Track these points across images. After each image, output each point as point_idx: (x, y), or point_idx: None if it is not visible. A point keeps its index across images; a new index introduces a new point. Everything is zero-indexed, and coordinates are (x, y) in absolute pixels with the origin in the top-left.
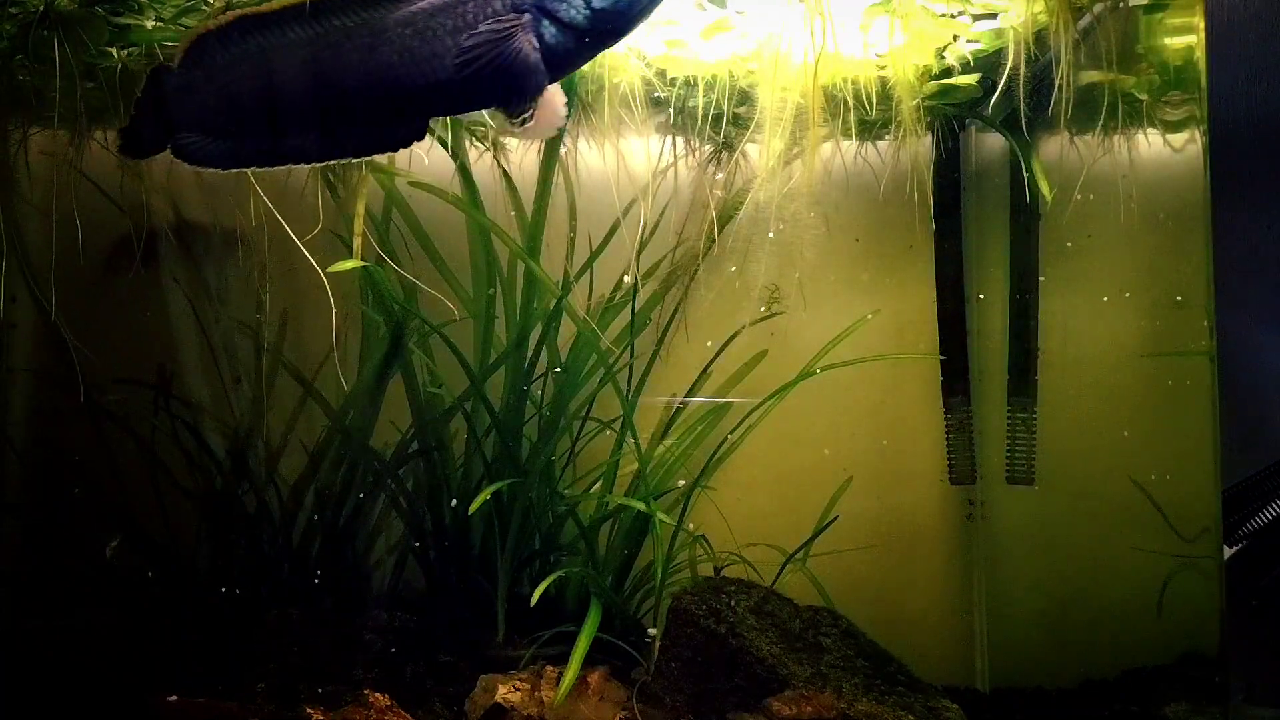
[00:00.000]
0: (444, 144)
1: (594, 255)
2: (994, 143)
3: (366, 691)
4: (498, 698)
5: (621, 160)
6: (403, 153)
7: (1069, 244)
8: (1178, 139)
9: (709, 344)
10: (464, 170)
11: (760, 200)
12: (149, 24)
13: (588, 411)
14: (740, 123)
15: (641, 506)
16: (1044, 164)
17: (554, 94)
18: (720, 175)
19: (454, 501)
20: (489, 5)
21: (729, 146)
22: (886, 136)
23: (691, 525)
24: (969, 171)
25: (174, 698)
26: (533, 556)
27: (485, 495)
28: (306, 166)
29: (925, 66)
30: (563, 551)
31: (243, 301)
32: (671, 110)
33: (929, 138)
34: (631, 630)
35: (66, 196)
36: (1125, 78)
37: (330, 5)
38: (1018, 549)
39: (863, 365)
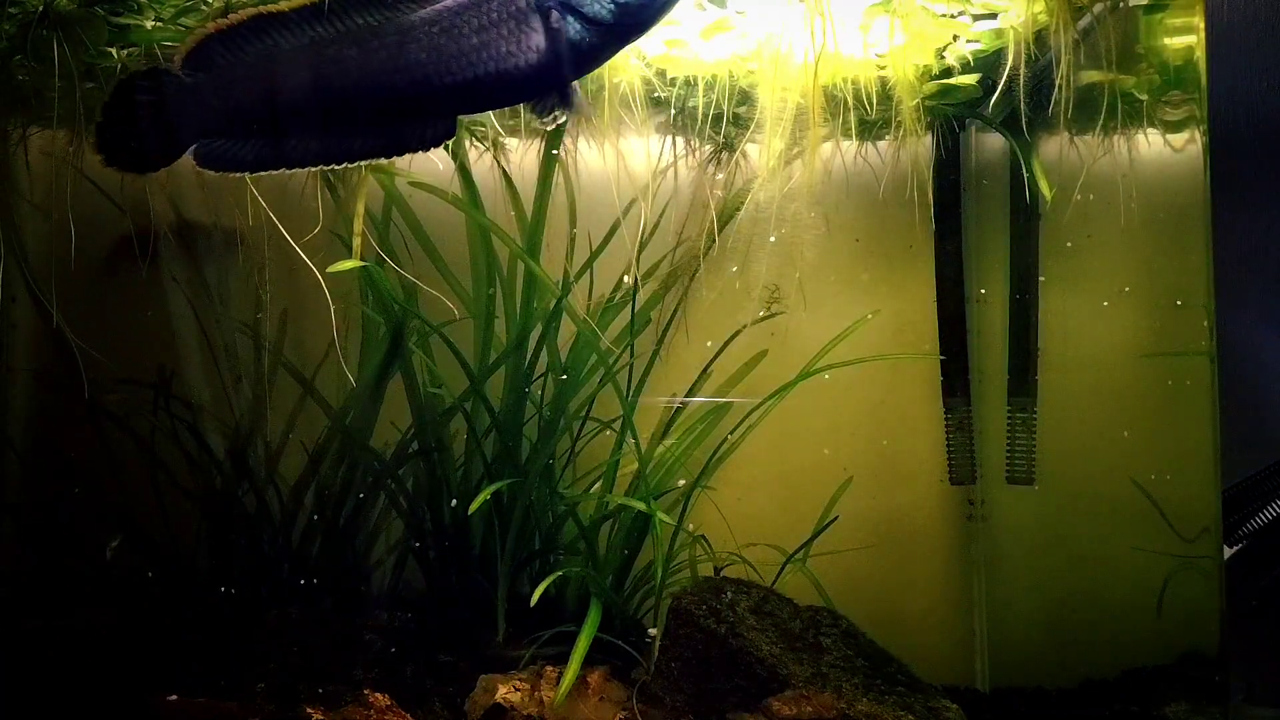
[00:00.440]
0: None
1: (594, 255)
2: (994, 143)
3: (366, 691)
4: (498, 698)
5: (621, 160)
6: None
7: (1069, 244)
8: (1178, 139)
9: (709, 344)
10: (464, 170)
11: (760, 200)
12: (148, 24)
13: (588, 411)
14: (740, 123)
15: (641, 506)
16: (1044, 164)
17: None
18: (720, 175)
19: (454, 501)
20: (514, 2)
21: (729, 146)
22: (886, 136)
23: (691, 525)
24: (969, 171)
25: (174, 698)
26: (533, 556)
27: (485, 495)
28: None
29: (925, 66)
30: (563, 551)
31: (243, 301)
32: (671, 110)
33: (929, 138)
34: (631, 630)
35: (66, 196)
36: (1125, 78)
37: (354, 3)
38: (1018, 549)
39: (863, 365)
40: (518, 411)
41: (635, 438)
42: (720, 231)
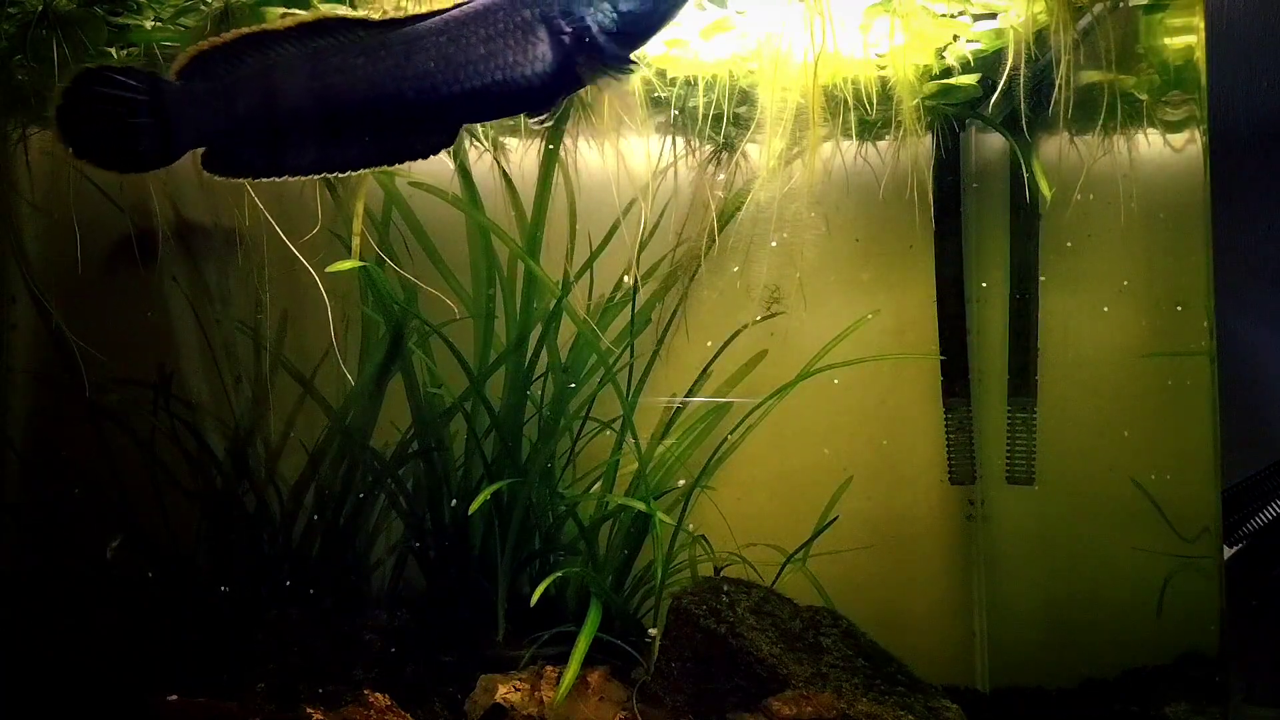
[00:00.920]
0: None
1: (594, 255)
2: (994, 143)
3: (366, 691)
4: (498, 698)
5: (621, 160)
6: None
7: (1069, 244)
8: (1178, 139)
9: (709, 344)
10: (464, 170)
11: (761, 200)
12: (148, 24)
13: (588, 411)
14: (740, 123)
15: (641, 506)
16: (1044, 164)
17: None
18: (721, 176)
19: (454, 501)
20: (519, 13)
21: (729, 146)
22: (886, 136)
23: (691, 525)
24: (969, 171)
25: (174, 698)
26: (533, 556)
27: (485, 495)
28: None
29: (925, 66)
30: (563, 551)
31: (243, 301)
32: (672, 110)
33: (929, 138)
34: (631, 630)
35: (66, 196)
36: (1125, 78)
37: (356, 21)
38: (1018, 549)
39: (863, 365)
40: (518, 411)
41: (635, 438)
42: (720, 231)
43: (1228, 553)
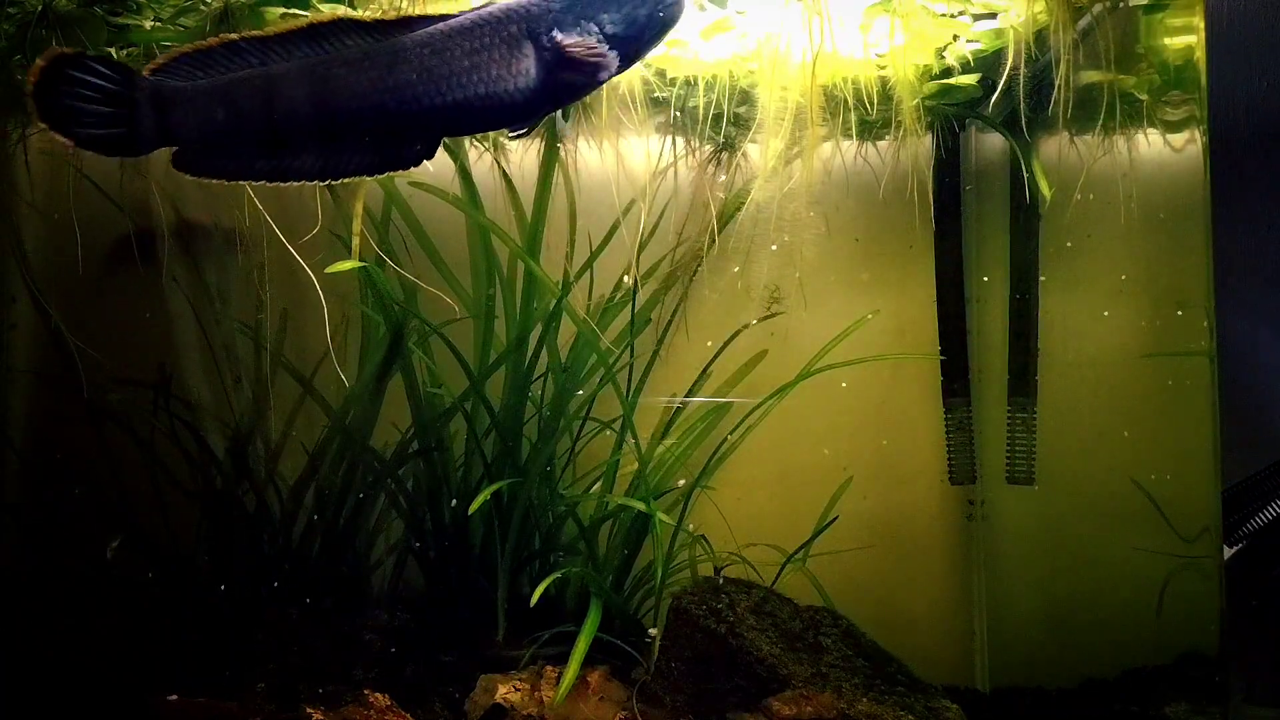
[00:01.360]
0: (444, 144)
1: (594, 255)
2: (994, 143)
3: (366, 691)
4: (498, 698)
5: (621, 160)
6: None
7: (1069, 244)
8: (1178, 139)
9: (709, 344)
10: (464, 170)
11: (760, 200)
12: (147, 24)
13: (588, 411)
14: (740, 123)
15: (641, 506)
16: (1044, 164)
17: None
18: (723, 177)
19: (454, 501)
20: (505, 29)
21: (729, 146)
22: (886, 137)
23: (691, 525)
24: (969, 171)
25: (174, 698)
26: (533, 556)
27: (485, 495)
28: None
29: (925, 66)
30: (563, 551)
31: (243, 301)
32: (672, 110)
33: (929, 138)
34: (631, 630)
35: (66, 196)
36: (1125, 78)
37: (345, 26)
38: (1018, 549)
39: (863, 365)
40: (518, 411)
41: (635, 438)
42: (720, 231)
43: (1228, 553)
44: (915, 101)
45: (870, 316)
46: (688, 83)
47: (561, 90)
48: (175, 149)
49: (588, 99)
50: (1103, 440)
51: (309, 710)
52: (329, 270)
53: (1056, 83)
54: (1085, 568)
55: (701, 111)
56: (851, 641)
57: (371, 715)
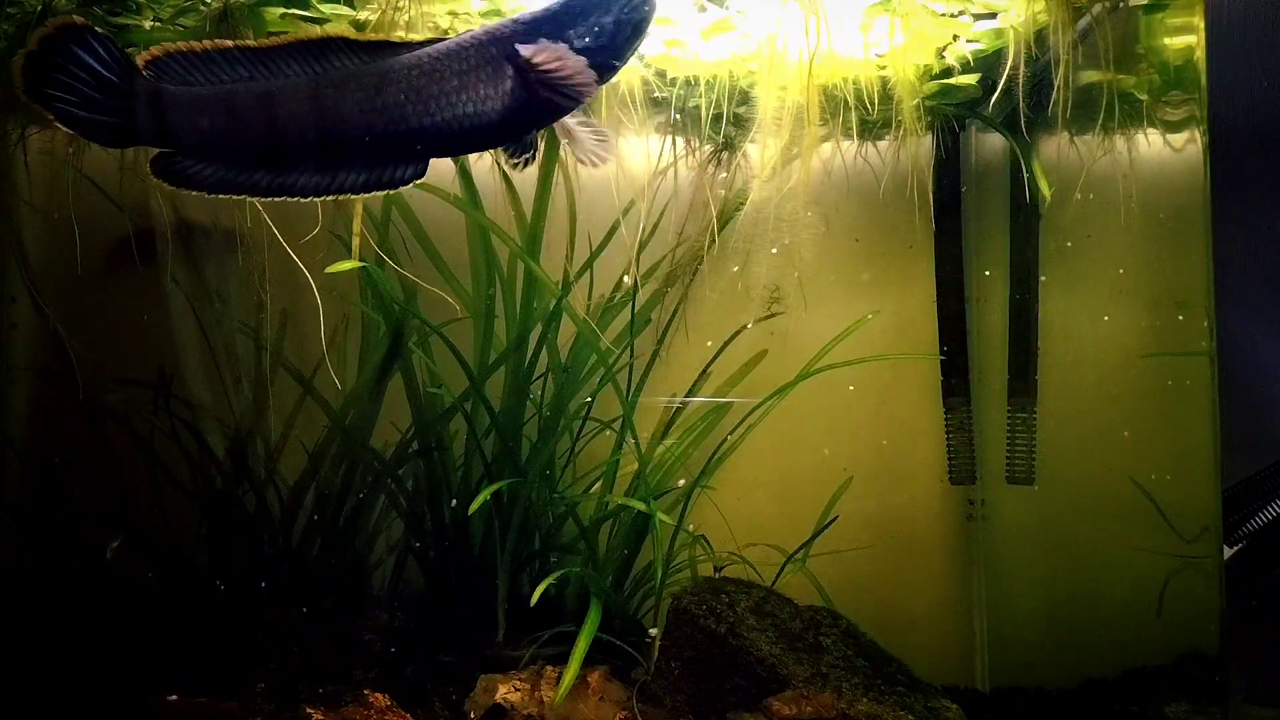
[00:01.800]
0: None
1: (594, 255)
2: (994, 143)
3: (366, 691)
4: (498, 698)
5: (621, 160)
6: None
7: (1069, 244)
8: (1178, 139)
9: (709, 344)
10: (464, 170)
11: (759, 201)
12: (147, 24)
13: (588, 411)
14: (740, 123)
15: (641, 506)
16: (1044, 164)
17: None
18: (724, 175)
19: (454, 501)
20: (488, 50)
21: (729, 146)
22: (886, 136)
23: (691, 525)
24: (969, 171)
25: (174, 698)
26: (532, 556)
27: (485, 495)
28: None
29: (926, 66)
30: (563, 551)
31: (243, 302)
32: (672, 110)
33: (929, 138)
34: (631, 630)
35: (66, 196)
36: (1125, 78)
37: (336, 45)
38: (1018, 549)
39: (863, 365)
40: (518, 411)
41: (635, 438)
42: (720, 231)
43: (1228, 553)
44: (915, 101)
45: (870, 316)
46: (688, 83)
47: (546, 107)
48: (155, 156)
49: (588, 99)
50: (1103, 440)
51: (309, 710)
52: (329, 270)
53: (1056, 83)
54: (1085, 568)
55: (702, 111)
56: (851, 641)
57: (371, 715)
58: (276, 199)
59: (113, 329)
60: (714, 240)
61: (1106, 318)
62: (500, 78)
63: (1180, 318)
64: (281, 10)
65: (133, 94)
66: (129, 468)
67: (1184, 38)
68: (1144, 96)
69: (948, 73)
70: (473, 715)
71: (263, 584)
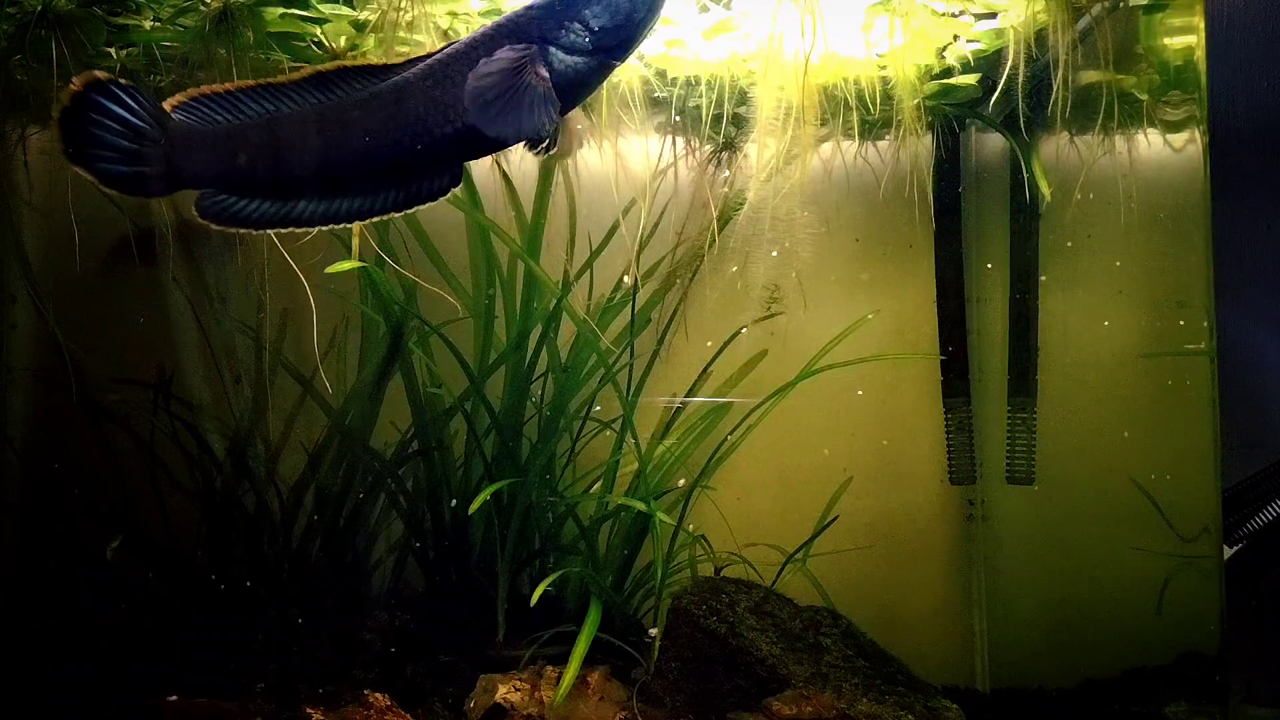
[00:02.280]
0: None
1: (594, 255)
2: (994, 143)
3: (366, 691)
4: (498, 698)
5: (621, 160)
6: None
7: (1069, 244)
8: (1178, 139)
9: (709, 344)
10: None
11: (756, 201)
12: (147, 24)
13: (588, 411)
14: (741, 123)
15: (641, 506)
16: (1044, 164)
17: (570, 118)
18: (727, 174)
19: (454, 501)
20: (498, 44)
21: (730, 146)
22: (886, 136)
23: (691, 525)
24: (969, 171)
25: (174, 698)
26: (533, 556)
27: (485, 495)
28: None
29: (926, 66)
30: (563, 551)
31: (243, 301)
32: (672, 110)
33: (929, 138)
34: (631, 630)
35: (66, 196)
36: (1125, 78)
37: (350, 71)
38: (1018, 549)
39: (863, 365)
40: (518, 411)
41: (635, 438)
42: (720, 231)
43: (1228, 553)
44: (915, 101)
45: (870, 316)
46: (688, 83)
47: (567, 89)
48: (199, 198)
49: (588, 99)
50: (1103, 440)
51: (309, 710)
52: (329, 270)
53: (1056, 83)
54: (1085, 568)
55: (702, 111)
56: (851, 641)
57: (371, 715)
58: (325, 228)
59: (113, 329)
60: (714, 240)
61: (1106, 319)
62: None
63: (1180, 318)
64: (281, 10)
65: (167, 138)
66: (129, 468)
67: (1184, 38)
68: (1144, 96)
69: (948, 73)
70: (473, 715)
71: (262, 584)
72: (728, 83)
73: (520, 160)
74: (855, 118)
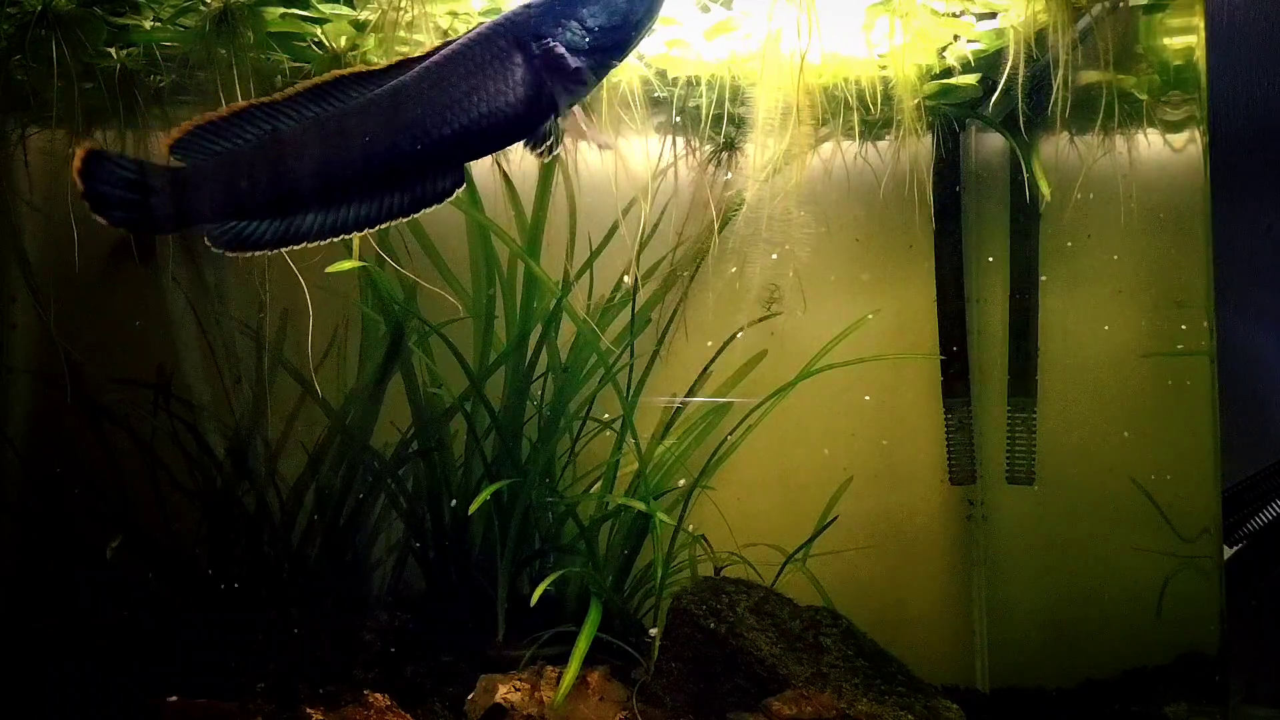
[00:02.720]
0: None
1: (594, 255)
2: (994, 143)
3: (366, 691)
4: (498, 698)
5: (621, 160)
6: None
7: (1069, 244)
8: (1178, 139)
9: (709, 344)
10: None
11: (754, 201)
12: (147, 24)
13: (588, 411)
14: (741, 123)
15: (641, 506)
16: (1044, 164)
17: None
18: (729, 174)
19: (454, 501)
20: (494, 43)
21: (730, 146)
22: (887, 136)
23: (691, 525)
24: (969, 171)
25: (174, 698)
26: (533, 556)
27: (485, 495)
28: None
29: (926, 66)
30: (563, 551)
31: (243, 301)
32: (672, 110)
33: (929, 138)
34: (631, 630)
35: (66, 196)
36: (1125, 78)
37: (345, 80)
38: (1018, 549)
39: (863, 365)
40: (518, 411)
41: (635, 438)
42: (720, 232)
43: (1228, 553)
44: (915, 101)
45: (870, 316)
46: (689, 83)
47: (565, 88)
48: (210, 232)
49: (588, 99)
50: (1103, 440)
51: (309, 710)
52: (329, 270)
53: (1056, 83)
54: (1085, 568)
55: (702, 111)
56: (851, 641)
57: (371, 715)
58: (335, 239)
59: (113, 329)
60: (714, 241)
61: (1106, 319)
62: (509, 71)
63: (1180, 319)
64: (281, 10)
65: (168, 184)
66: (129, 468)
67: (1184, 38)
68: (1144, 96)
69: (948, 73)
70: (473, 715)
71: (263, 584)
72: (728, 83)
73: (520, 160)
74: (855, 118)
